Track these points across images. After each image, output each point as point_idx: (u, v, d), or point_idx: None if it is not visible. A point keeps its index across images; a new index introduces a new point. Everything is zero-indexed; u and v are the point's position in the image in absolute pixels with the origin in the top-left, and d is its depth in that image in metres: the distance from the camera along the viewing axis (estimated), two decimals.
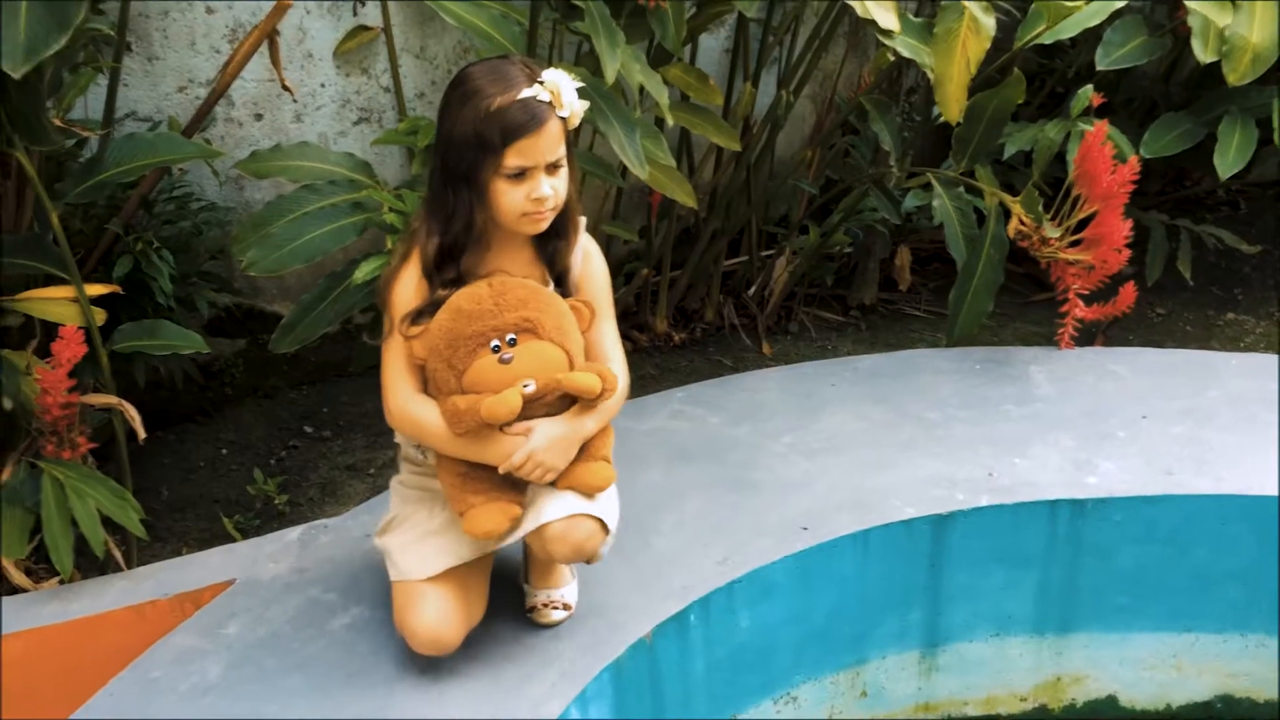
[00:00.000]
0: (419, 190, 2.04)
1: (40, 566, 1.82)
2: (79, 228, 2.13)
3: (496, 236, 1.56)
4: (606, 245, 2.75)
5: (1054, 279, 2.41)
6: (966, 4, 2.28)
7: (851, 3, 2.18)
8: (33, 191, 1.79)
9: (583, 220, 1.65)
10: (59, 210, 1.78)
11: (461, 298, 1.51)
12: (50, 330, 1.77)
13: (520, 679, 1.58)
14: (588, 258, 1.65)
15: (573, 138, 1.59)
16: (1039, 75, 3.20)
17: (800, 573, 1.81)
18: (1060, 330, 2.43)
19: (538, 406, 1.52)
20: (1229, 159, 2.65)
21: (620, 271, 2.86)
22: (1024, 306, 3.04)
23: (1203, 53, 2.57)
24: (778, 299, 2.96)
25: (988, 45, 2.28)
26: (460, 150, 1.49)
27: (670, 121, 2.20)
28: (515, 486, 1.55)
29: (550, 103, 1.49)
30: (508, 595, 1.72)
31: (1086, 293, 2.40)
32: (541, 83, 1.48)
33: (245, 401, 2.61)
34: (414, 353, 1.54)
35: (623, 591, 1.72)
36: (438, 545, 1.59)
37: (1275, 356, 2.40)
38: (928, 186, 2.54)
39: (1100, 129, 2.23)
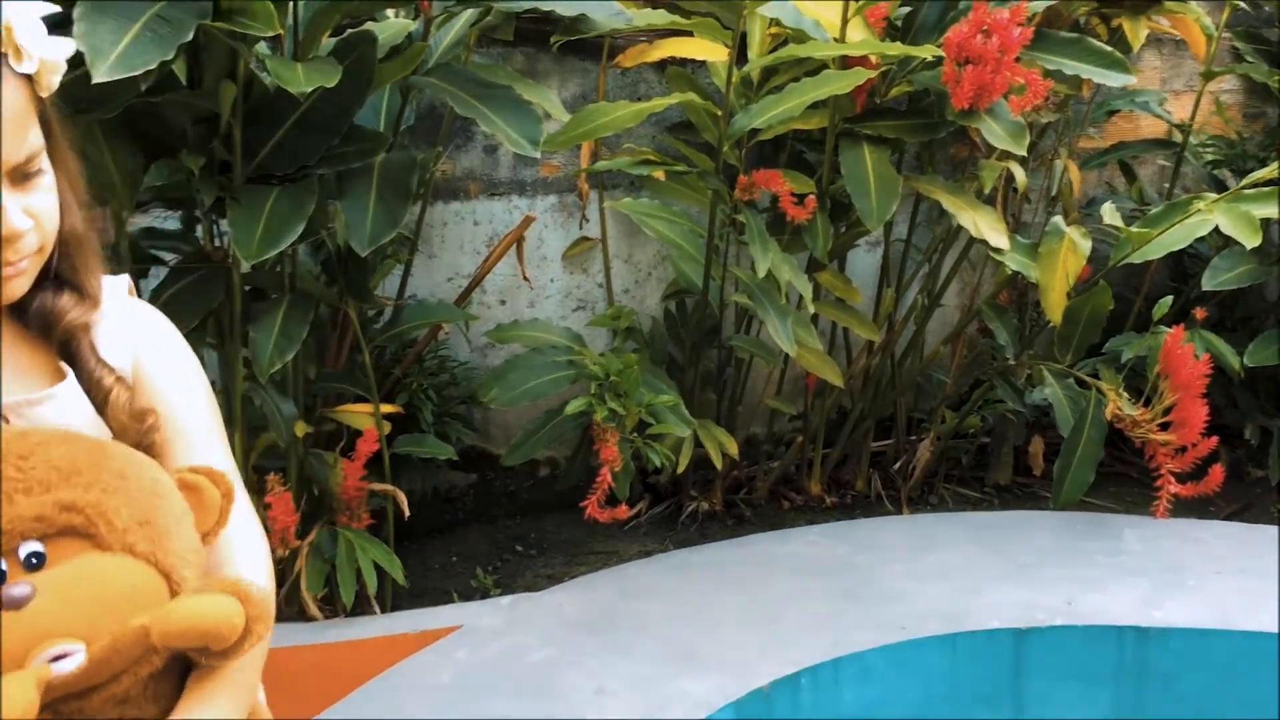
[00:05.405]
0: (618, 355, 2.69)
1: (325, 608, 2.46)
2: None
3: None
4: (770, 418, 3.37)
5: (1147, 457, 2.81)
6: (1067, 230, 2.82)
7: (965, 225, 2.76)
8: (351, 338, 2.54)
9: (120, 280, 1.04)
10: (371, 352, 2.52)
11: None
12: (351, 435, 2.48)
13: (661, 703, 2.08)
14: (148, 329, 1.04)
15: (62, 130, 0.97)
16: (1171, 292, 3.64)
17: (895, 661, 2.25)
18: (1155, 503, 2.81)
19: (96, 699, 0.84)
20: None
21: (781, 441, 3.42)
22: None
23: None
24: (920, 475, 3.42)
25: (1084, 262, 2.79)
26: None
27: (811, 310, 2.79)
28: None
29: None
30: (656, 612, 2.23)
31: (1178, 471, 2.78)
32: None
33: (473, 524, 3.26)
34: None
35: (749, 654, 2.21)
36: None
37: None
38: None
39: (1178, 332, 2.69)
